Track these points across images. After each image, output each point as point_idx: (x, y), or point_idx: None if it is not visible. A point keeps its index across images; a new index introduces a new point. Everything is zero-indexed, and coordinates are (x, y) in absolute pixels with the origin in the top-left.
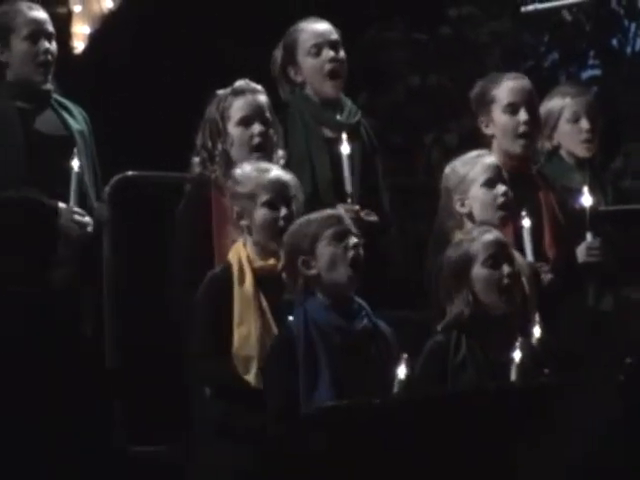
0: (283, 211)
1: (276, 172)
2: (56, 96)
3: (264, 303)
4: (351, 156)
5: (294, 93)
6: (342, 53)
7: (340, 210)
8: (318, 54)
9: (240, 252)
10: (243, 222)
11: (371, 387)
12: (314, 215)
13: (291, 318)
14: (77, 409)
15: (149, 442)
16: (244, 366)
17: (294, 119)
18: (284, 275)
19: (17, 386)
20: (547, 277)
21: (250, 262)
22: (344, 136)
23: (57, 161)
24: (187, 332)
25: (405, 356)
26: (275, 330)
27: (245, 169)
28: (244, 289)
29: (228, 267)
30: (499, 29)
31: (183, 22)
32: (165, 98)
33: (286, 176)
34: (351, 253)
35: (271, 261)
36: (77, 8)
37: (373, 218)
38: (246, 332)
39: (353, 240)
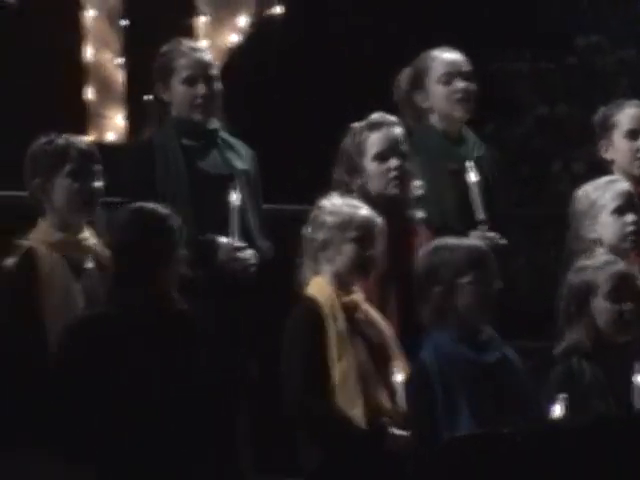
0: (370, 251)
1: (367, 211)
2: (223, 134)
3: (356, 338)
4: (479, 184)
5: (419, 123)
6: (473, 85)
7: (482, 243)
8: (449, 83)
9: (324, 287)
10: (325, 253)
11: (506, 416)
12: (455, 242)
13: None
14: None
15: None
16: (349, 402)
17: (418, 150)
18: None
19: None
20: None
21: (337, 298)
22: (470, 164)
23: (220, 199)
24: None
25: (564, 396)
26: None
27: (335, 201)
28: (338, 325)
29: (315, 303)
30: (625, 57)
31: (305, 55)
32: (291, 131)
33: (376, 218)
34: (492, 300)
35: (353, 296)
36: (204, 43)
37: (503, 242)
38: (346, 368)
39: (497, 285)
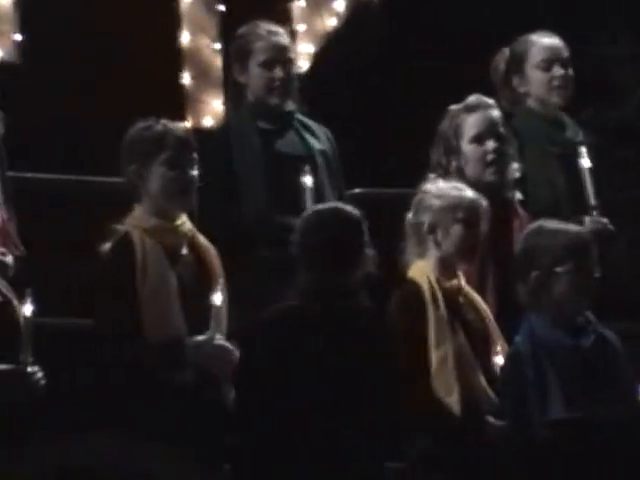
0: (476, 230)
1: (472, 193)
2: (299, 116)
3: (456, 323)
4: (592, 170)
5: (518, 107)
6: (571, 71)
7: (585, 231)
8: (548, 69)
9: (427, 271)
10: (433, 235)
11: (601, 401)
12: (558, 227)
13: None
14: None
15: None
16: (445, 389)
17: (517, 133)
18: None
19: None
20: None
21: (439, 282)
22: (583, 150)
23: (295, 179)
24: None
25: None
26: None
27: (441, 185)
28: (439, 311)
29: (417, 286)
30: None
31: (405, 39)
32: (389, 113)
33: (482, 200)
34: (590, 290)
35: (455, 281)
36: (301, 27)
37: (611, 227)
38: (444, 354)
39: (596, 274)
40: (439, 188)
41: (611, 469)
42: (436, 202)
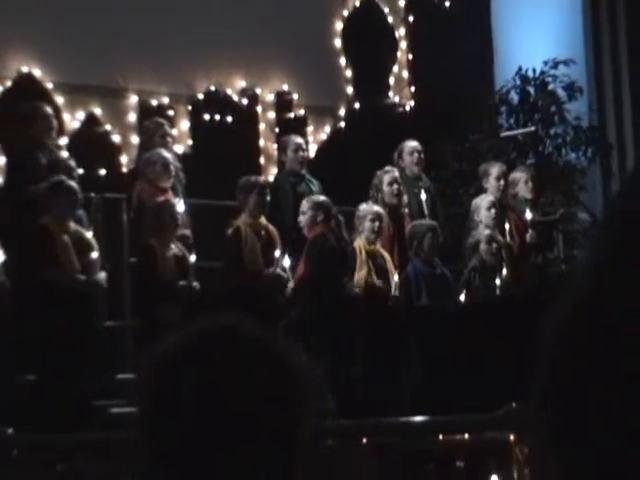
0: (376, 224)
1: (372, 206)
2: (307, 175)
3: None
4: (427, 199)
5: (402, 172)
6: (422, 155)
7: (432, 222)
8: (411, 154)
9: (360, 243)
10: (358, 227)
11: (444, 297)
12: (422, 222)
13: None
14: None
15: None
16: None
17: (405, 184)
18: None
19: None
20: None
21: (364, 247)
22: (422, 191)
23: None
24: None
25: (464, 290)
26: None
27: (362, 206)
28: (369, 261)
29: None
30: (492, 144)
31: (358, 146)
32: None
33: (376, 208)
34: (438, 245)
35: (377, 246)
36: (310, 138)
37: (436, 223)
38: (365, 274)
39: (438, 240)
40: (360, 209)
41: (448, 339)
42: (359, 214)
